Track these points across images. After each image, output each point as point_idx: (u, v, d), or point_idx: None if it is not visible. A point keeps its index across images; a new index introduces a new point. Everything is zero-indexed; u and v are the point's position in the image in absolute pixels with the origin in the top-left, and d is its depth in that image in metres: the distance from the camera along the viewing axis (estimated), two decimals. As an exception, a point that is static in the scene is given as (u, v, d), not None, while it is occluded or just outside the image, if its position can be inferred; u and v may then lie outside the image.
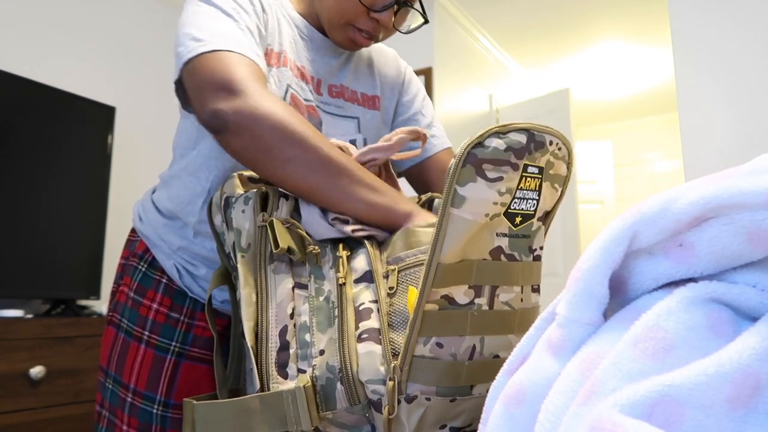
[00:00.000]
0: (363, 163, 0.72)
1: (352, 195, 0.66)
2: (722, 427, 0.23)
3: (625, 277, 0.30)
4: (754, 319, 0.26)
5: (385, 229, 0.67)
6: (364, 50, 1.00)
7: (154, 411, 0.80)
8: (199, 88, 0.70)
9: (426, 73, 3.06)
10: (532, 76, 4.33)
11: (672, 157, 5.04)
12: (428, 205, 0.79)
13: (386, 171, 0.77)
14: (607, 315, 0.30)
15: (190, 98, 0.73)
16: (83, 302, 2.42)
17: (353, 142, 0.89)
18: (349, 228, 0.64)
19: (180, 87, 0.77)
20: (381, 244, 0.66)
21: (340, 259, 0.63)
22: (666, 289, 0.29)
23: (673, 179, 5.01)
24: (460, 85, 3.34)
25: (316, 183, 0.66)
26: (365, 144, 0.90)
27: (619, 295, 0.31)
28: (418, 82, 1.07)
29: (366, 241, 0.64)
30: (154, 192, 0.92)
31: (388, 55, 1.04)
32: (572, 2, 3.27)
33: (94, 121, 2.47)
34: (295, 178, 0.67)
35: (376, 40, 0.88)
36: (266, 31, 0.83)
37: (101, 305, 2.43)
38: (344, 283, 0.61)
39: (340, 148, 0.73)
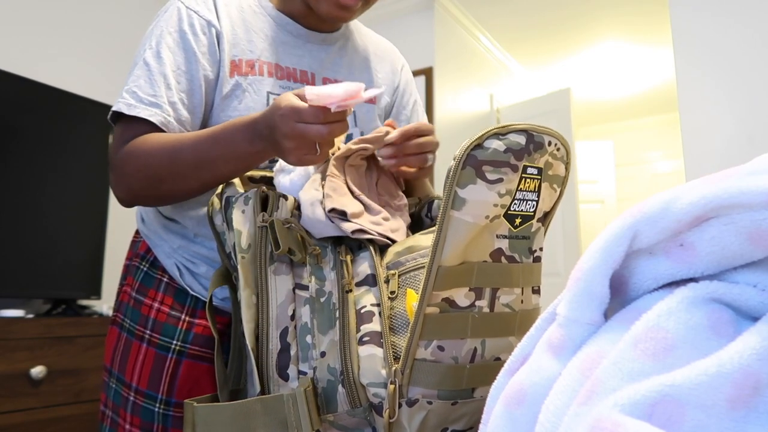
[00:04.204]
0: (354, 153, 0.72)
1: (228, 176, 0.73)
2: (723, 427, 0.23)
3: (625, 277, 0.30)
4: (754, 319, 0.26)
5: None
6: (359, 43, 0.99)
7: (156, 410, 0.80)
8: None
9: (426, 73, 3.06)
10: (533, 75, 4.32)
11: (673, 156, 5.03)
12: (428, 207, 0.79)
13: (376, 162, 0.77)
14: (607, 315, 0.30)
15: None
16: (84, 302, 2.41)
17: (349, 136, 0.89)
18: (348, 228, 0.64)
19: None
20: (382, 250, 0.66)
21: (344, 264, 0.62)
22: (667, 289, 0.29)
23: (673, 179, 5.00)
24: (460, 85, 3.34)
25: (200, 187, 0.75)
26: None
27: (620, 295, 0.31)
28: (413, 86, 1.06)
29: (370, 245, 0.64)
30: None
31: (386, 49, 1.03)
32: (573, 2, 3.27)
33: (94, 121, 2.47)
34: (189, 194, 0.78)
35: (364, 1, 0.86)
36: (222, 46, 0.83)
37: (102, 305, 2.43)
38: (350, 290, 0.61)
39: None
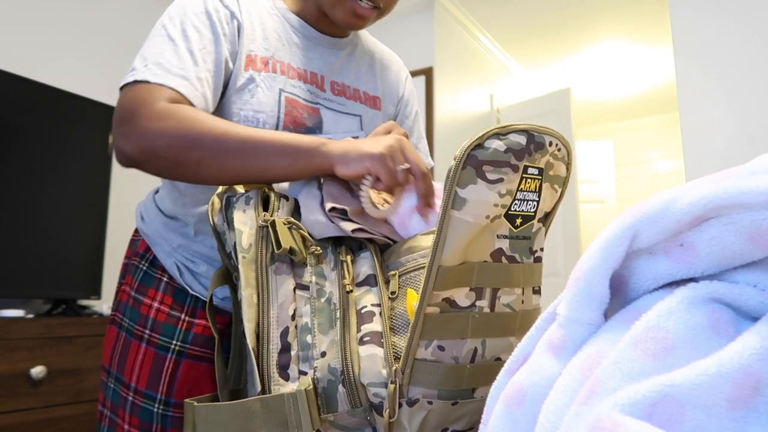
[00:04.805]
0: None
1: (267, 166, 0.70)
2: (723, 427, 0.23)
3: (625, 276, 0.30)
4: (754, 319, 0.26)
5: (316, 174, 0.70)
6: (366, 50, 1.00)
7: (155, 410, 0.80)
8: (112, 124, 0.75)
9: (427, 73, 3.06)
10: (533, 75, 4.32)
11: (673, 156, 5.03)
12: None
13: None
14: (607, 315, 0.30)
15: None
16: (84, 302, 2.42)
17: (355, 139, 0.89)
18: (349, 227, 0.64)
19: None
20: (382, 250, 0.66)
21: (345, 264, 0.62)
22: (667, 289, 0.29)
23: (673, 179, 5.00)
24: (461, 85, 3.34)
25: (232, 170, 0.70)
26: None
27: (620, 294, 0.31)
28: (415, 97, 1.08)
29: (370, 246, 0.64)
30: (156, 192, 0.92)
31: (390, 59, 1.05)
32: (573, 2, 3.27)
33: (94, 121, 2.47)
34: (213, 175, 0.71)
35: (378, 6, 0.86)
36: (241, 39, 0.83)
37: (102, 305, 2.43)
38: (351, 290, 0.61)
39: None
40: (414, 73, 2.91)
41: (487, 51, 3.72)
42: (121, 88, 0.76)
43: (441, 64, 3.12)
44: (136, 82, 0.74)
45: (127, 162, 0.73)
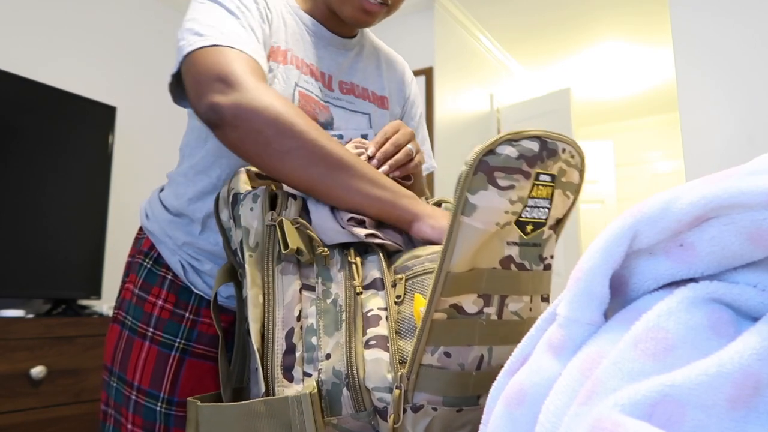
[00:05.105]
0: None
1: (351, 187, 0.67)
2: (723, 427, 0.23)
3: (625, 277, 0.30)
4: (754, 319, 0.26)
5: (390, 224, 0.68)
6: (373, 52, 1.00)
7: (158, 409, 0.80)
8: (196, 81, 0.71)
9: (427, 73, 3.06)
10: (533, 75, 4.32)
11: (673, 156, 5.03)
12: None
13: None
14: (607, 315, 0.30)
15: (187, 91, 0.74)
16: (84, 302, 2.42)
17: (365, 136, 0.90)
18: (362, 232, 0.64)
19: (175, 81, 0.77)
20: (390, 255, 0.65)
21: (354, 266, 0.62)
22: (667, 289, 0.29)
23: (673, 179, 5.01)
24: (461, 85, 3.34)
25: (314, 175, 0.67)
26: None
27: (620, 295, 0.31)
28: (420, 99, 1.08)
29: (379, 250, 0.64)
30: (161, 190, 0.92)
31: (396, 60, 1.05)
32: (573, 2, 3.27)
33: (94, 121, 2.47)
34: (293, 170, 0.67)
35: (386, 2, 0.86)
36: (271, 29, 0.83)
37: (102, 305, 2.43)
38: (361, 292, 0.60)
39: (359, 144, 0.77)
40: (414, 73, 2.90)
41: (487, 51, 3.72)
42: (191, 52, 0.72)
43: (441, 64, 3.12)
44: (215, 45, 0.71)
45: (214, 119, 0.69)
